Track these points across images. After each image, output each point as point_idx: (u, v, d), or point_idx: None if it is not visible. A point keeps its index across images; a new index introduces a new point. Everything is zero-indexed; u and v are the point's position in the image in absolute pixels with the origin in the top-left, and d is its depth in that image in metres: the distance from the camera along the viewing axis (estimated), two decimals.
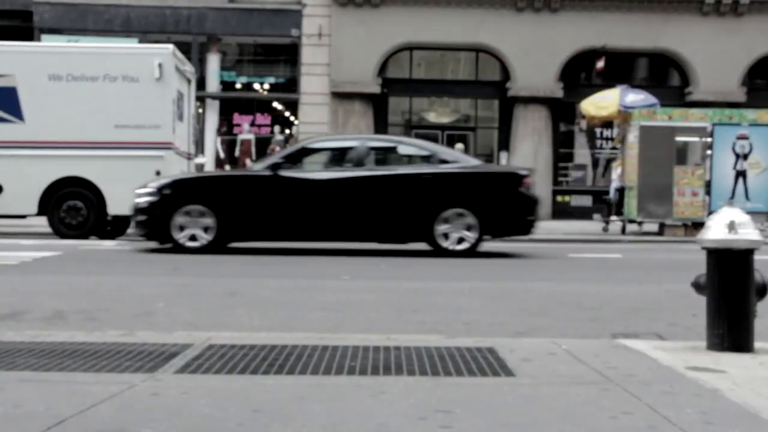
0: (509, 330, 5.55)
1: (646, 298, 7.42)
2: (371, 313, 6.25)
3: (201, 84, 21.99)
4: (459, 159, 12.04)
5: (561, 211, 23.24)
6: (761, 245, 4.33)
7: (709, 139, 16.75)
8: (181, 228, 11.24)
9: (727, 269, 4.26)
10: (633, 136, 17.12)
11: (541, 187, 23.18)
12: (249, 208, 11.37)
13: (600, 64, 22.83)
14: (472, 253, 11.26)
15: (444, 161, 11.73)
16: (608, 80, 21.44)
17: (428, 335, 5.09)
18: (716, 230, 4.29)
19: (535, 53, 22.64)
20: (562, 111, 23.45)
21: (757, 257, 4.33)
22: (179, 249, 11.20)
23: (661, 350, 4.37)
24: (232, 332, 5.03)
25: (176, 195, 11.35)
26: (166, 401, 3.24)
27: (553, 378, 3.73)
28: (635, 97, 18.26)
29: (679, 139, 17.00)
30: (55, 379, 3.62)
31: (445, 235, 11.27)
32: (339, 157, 12.17)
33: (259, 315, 6.11)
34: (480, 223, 11.24)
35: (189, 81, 16.92)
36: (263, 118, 23.85)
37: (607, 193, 19.81)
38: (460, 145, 19.78)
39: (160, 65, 14.83)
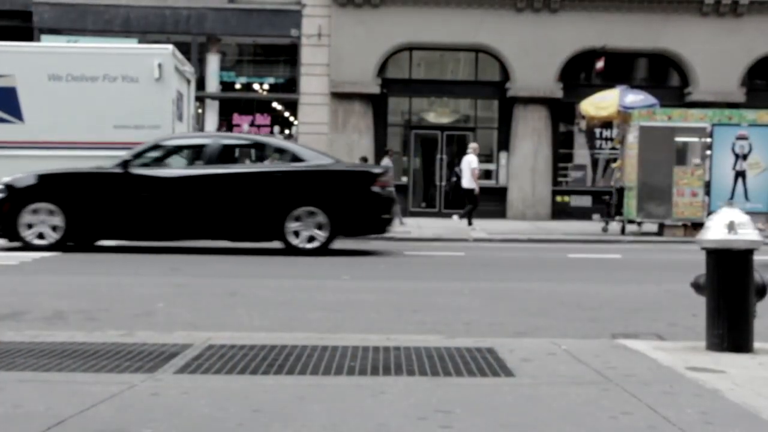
0: (509, 330, 5.55)
1: (645, 298, 7.42)
2: (371, 313, 6.25)
3: (200, 84, 21.97)
4: (313, 158, 11.87)
5: (560, 212, 23.21)
6: (761, 245, 4.33)
7: (708, 140, 16.75)
8: (29, 225, 11.12)
9: (727, 269, 4.26)
10: (632, 137, 17.11)
11: (540, 187, 23.26)
12: (99, 206, 11.27)
13: (599, 64, 22.81)
14: (323, 251, 11.18)
15: (298, 159, 11.64)
16: (608, 80, 21.41)
17: (428, 335, 5.09)
18: (716, 230, 4.29)
19: (535, 53, 22.63)
20: (561, 111, 23.42)
21: (756, 257, 4.34)
22: (28, 247, 11.06)
23: (660, 350, 4.37)
24: (231, 332, 5.03)
25: (25, 192, 11.23)
26: (166, 401, 3.24)
27: (553, 378, 3.73)
28: (635, 97, 18.24)
29: (679, 139, 16.99)
30: (55, 379, 3.62)
31: (296, 234, 11.22)
32: (192, 154, 12.10)
33: (259, 315, 6.11)
34: (331, 222, 11.20)
35: (188, 81, 16.91)
36: (263, 119, 23.83)
37: (606, 193, 19.82)
38: (474, 145, 19.76)
39: (159, 65, 14.84)
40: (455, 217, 18.13)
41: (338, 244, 11.59)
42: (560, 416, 3.07)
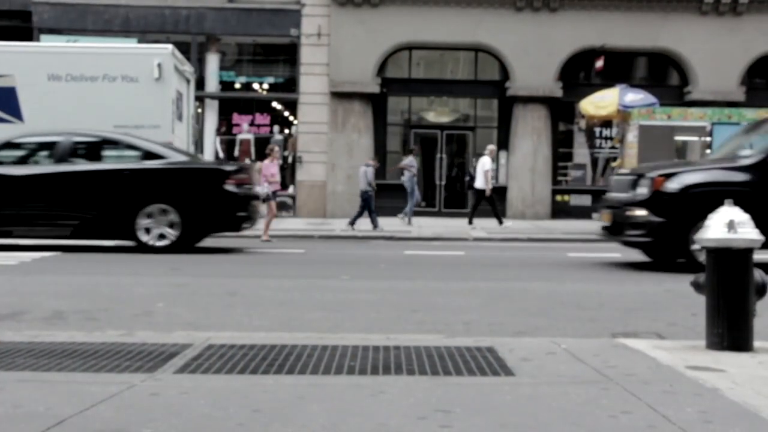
0: (509, 330, 5.55)
1: (645, 297, 7.42)
2: (371, 313, 6.25)
3: (200, 84, 21.95)
4: (168, 155, 11.88)
5: (560, 211, 23.19)
6: (760, 244, 4.33)
7: (708, 139, 16.74)
8: None
9: (727, 268, 4.26)
10: (632, 136, 17.11)
11: (540, 186, 23.23)
12: None
13: (599, 63, 22.79)
14: (176, 249, 11.22)
15: (151, 157, 11.66)
16: (607, 80, 21.40)
17: (428, 335, 5.09)
18: (715, 229, 4.29)
19: (534, 53, 22.61)
20: (561, 110, 23.41)
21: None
22: None
23: (660, 349, 4.37)
24: (231, 332, 5.03)
25: None
26: (166, 401, 3.24)
27: (553, 377, 3.73)
28: (634, 96, 18.24)
29: (679, 138, 17.00)
30: (55, 379, 3.62)
31: (148, 231, 11.29)
32: (44, 152, 12.10)
33: (259, 315, 6.11)
34: (183, 219, 11.27)
35: (188, 81, 16.92)
36: (262, 118, 23.81)
37: (606, 192, 19.81)
38: (491, 147, 19.76)
39: (159, 65, 14.84)
40: (501, 225, 18.22)
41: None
42: (560, 415, 3.07)
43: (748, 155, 9.91)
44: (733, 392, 3.42)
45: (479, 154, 23.28)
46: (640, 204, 9.75)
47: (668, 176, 9.73)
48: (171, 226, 11.31)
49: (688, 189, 9.55)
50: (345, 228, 16.91)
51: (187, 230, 11.34)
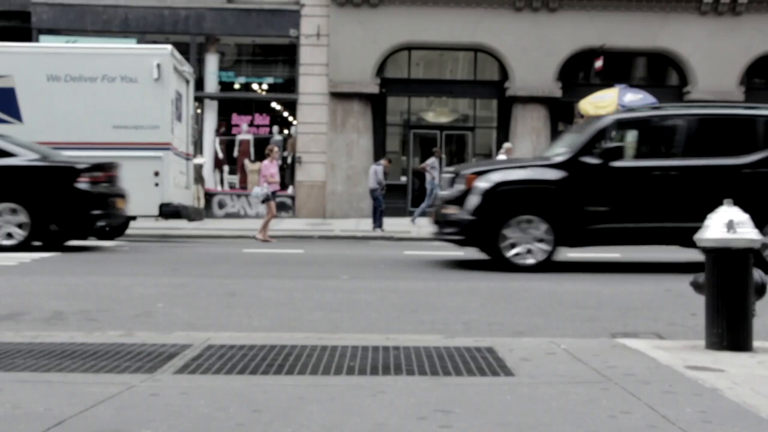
0: (508, 330, 5.55)
1: (645, 297, 7.42)
2: (370, 313, 6.25)
3: (199, 84, 21.96)
4: (18, 153, 11.75)
5: None
6: (760, 244, 4.33)
7: None
8: None
9: (726, 268, 4.26)
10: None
11: None
12: None
13: (598, 63, 22.82)
14: (22, 248, 11.19)
15: (5, 154, 11.57)
16: (607, 80, 21.44)
17: (427, 335, 5.09)
18: (715, 229, 4.29)
19: (534, 53, 22.64)
20: (560, 110, 23.43)
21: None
22: None
23: (660, 349, 4.37)
24: (231, 332, 5.03)
25: None
26: (166, 401, 3.24)
27: (552, 377, 3.73)
28: (634, 96, 18.26)
29: None
30: (55, 379, 3.62)
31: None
32: None
33: (258, 315, 6.11)
34: (32, 219, 11.28)
35: (187, 81, 16.92)
36: (262, 119, 23.83)
37: None
38: (507, 145, 19.79)
39: (158, 66, 14.84)
40: None
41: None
42: (560, 415, 3.07)
43: (561, 153, 10.02)
44: (733, 392, 3.42)
45: (478, 155, 23.36)
46: (454, 201, 9.79)
47: (480, 174, 9.78)
48: (20, 225, 11.30)
49: (496, 187, 9.59)
50: (371, 230, 16.97)
51: (36, 229, 11.33)
